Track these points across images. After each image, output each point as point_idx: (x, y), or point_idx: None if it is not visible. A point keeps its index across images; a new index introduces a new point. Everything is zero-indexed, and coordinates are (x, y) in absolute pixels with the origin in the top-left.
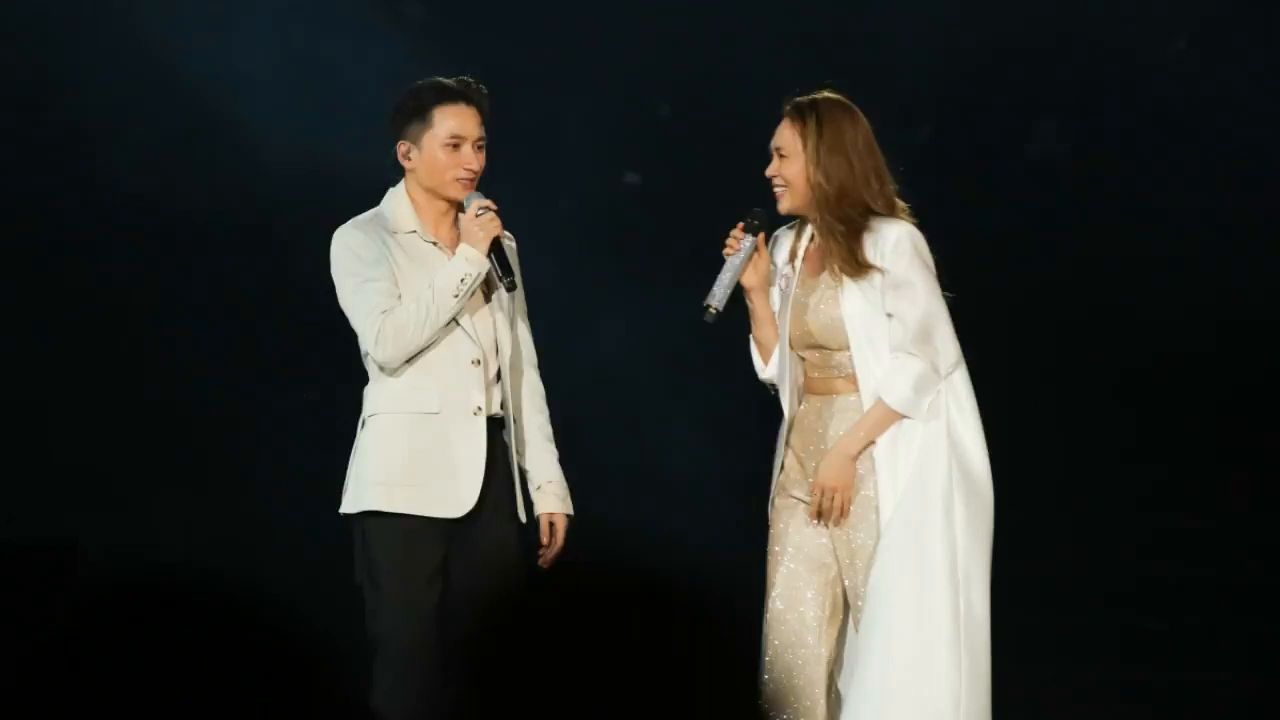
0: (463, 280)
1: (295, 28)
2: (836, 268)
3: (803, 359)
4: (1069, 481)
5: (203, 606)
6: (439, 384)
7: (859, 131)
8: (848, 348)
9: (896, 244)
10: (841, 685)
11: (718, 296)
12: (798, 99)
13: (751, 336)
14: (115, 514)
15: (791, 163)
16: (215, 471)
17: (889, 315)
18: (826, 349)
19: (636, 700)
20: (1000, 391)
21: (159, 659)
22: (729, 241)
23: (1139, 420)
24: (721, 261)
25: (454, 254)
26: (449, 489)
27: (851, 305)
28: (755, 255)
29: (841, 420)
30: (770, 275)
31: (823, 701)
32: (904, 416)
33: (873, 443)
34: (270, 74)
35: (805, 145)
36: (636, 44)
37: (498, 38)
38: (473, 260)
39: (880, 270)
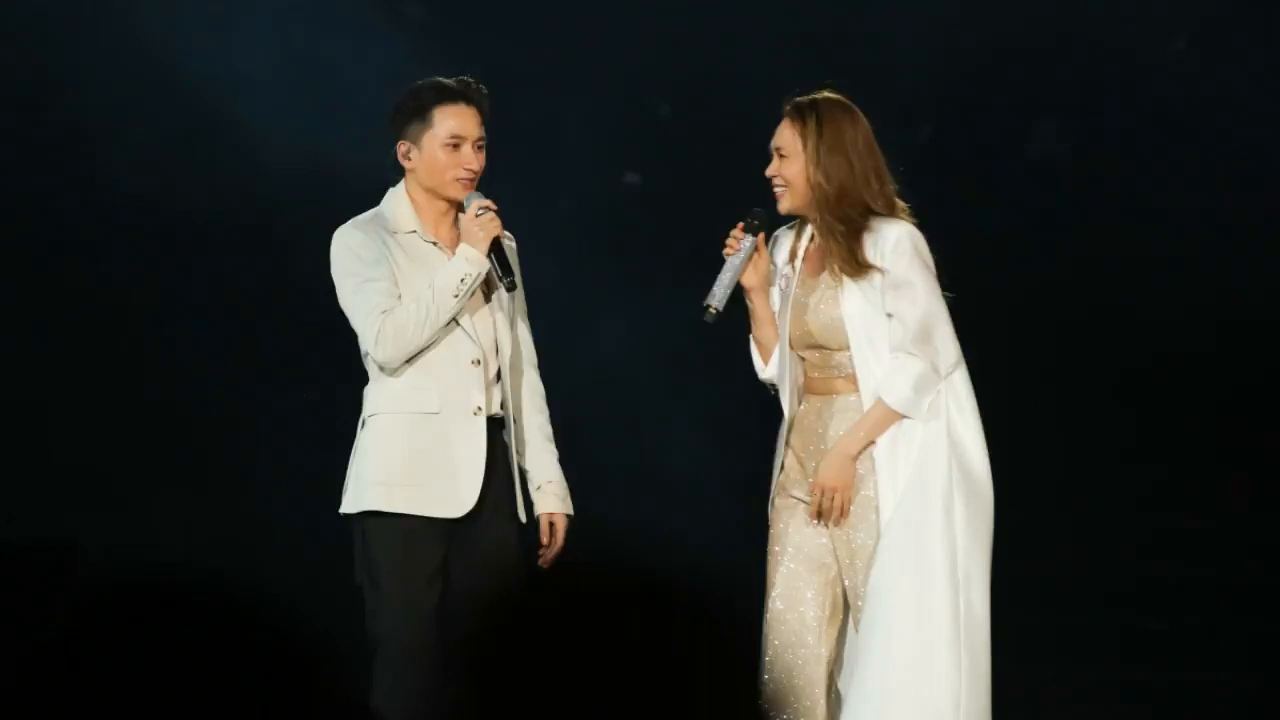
0: (463, 280)
1: (295, 28)
2: (836, 268)
3: (803, 359)
4: (1069, 481)
5: (203, 606)
6: (439, 384)
7: (859, 131)
8: (848, 348)
9: (896, 244)
10: (841, 685)
11: (718, 296)
12: (798, 99)
13: (751, 336)
14: (115, 514)
15: (791, 163)
16: (215, 471)
17: (889, 315)
18: (826, 349)
19: (636, 700)
20: (1000, 391)
21: (159, 659)
22: (729, 241)
23: (1139, 420)
24: (722, 261)
25: (454, 254)
26: (449, 489)
27: (851, 305)
28: (755, 255)
29: (841, 420)
30: (770, 275)
31: (823, 701)
32: (904, 416)
33: (873, 443)
34: (270, 74)
35: (805, 145)
36: (636, 44)
37: (498, 38)
38: (473, 260)
39: (880, 270)
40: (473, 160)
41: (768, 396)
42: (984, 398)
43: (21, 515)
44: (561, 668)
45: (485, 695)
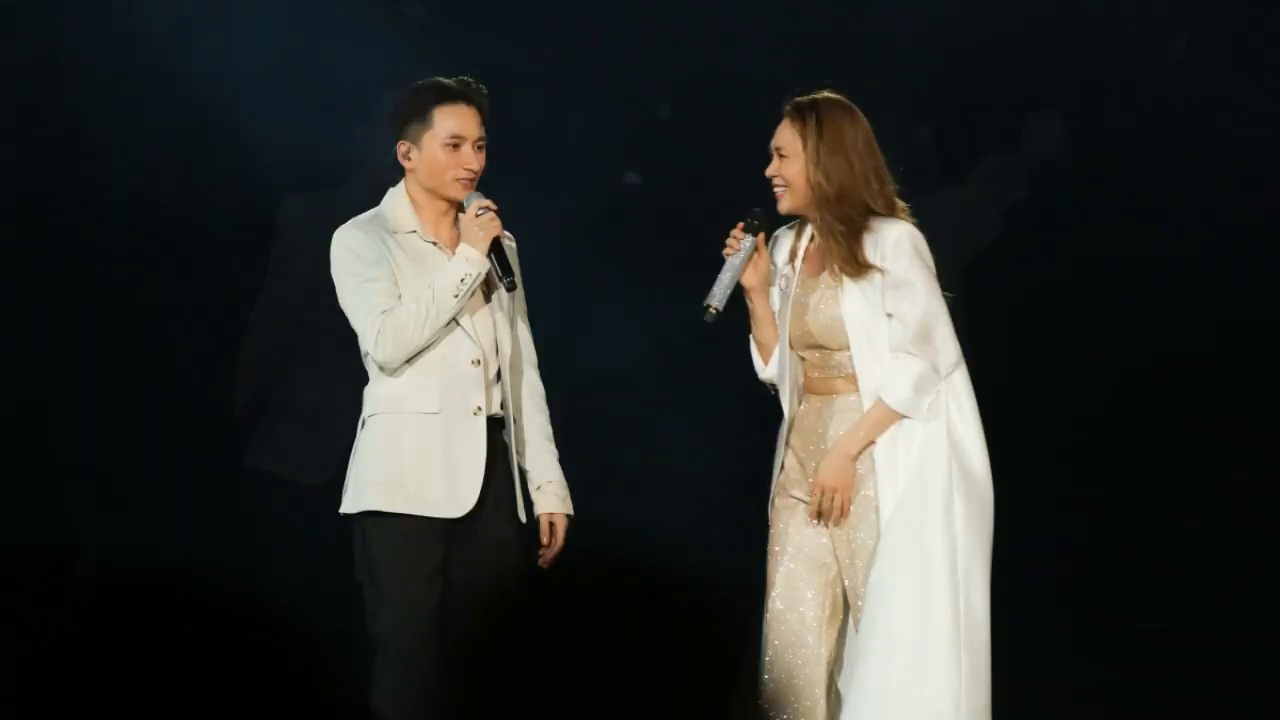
0: (463, 280)
1: (295, 27)
2: (836, 268)
3: (803, 359)
4: (1069, 481)
5: (203, 606)
6: (439, 384)
7: (859, 131)
8: (848, 348)
9: (896, 244)
10: (841, 685)
11: (717, 296)
12: (798, 99)
13: (751, 336)
14: (115, 514)
15: (792, 163)
16: (215, 471)
17: (889, 315)
18: (826, 349)
19: (636, 700)
20: (1000, 391)
21: (159, 659)
22: (729, 241)
23: (1139, 420)
24: (722, 261)
25: (454, 254)
26: (449, 489)
27: (851, 305)
28: (755, 255)
29: (841, 420)
30: (770, 275)
31: (823, 701)
32: (904, 416)
33: (873, 443)
34: (270, 74)
35: (805, 145)
36: (637, 44)
37: (498, 38)
38: (473, 260)
39: (880, 270)
40: (473, 160)
41: (768, 396)
42: (984, 398)
43: (21, 515)
44: (561, 667)
45: (485, 695)
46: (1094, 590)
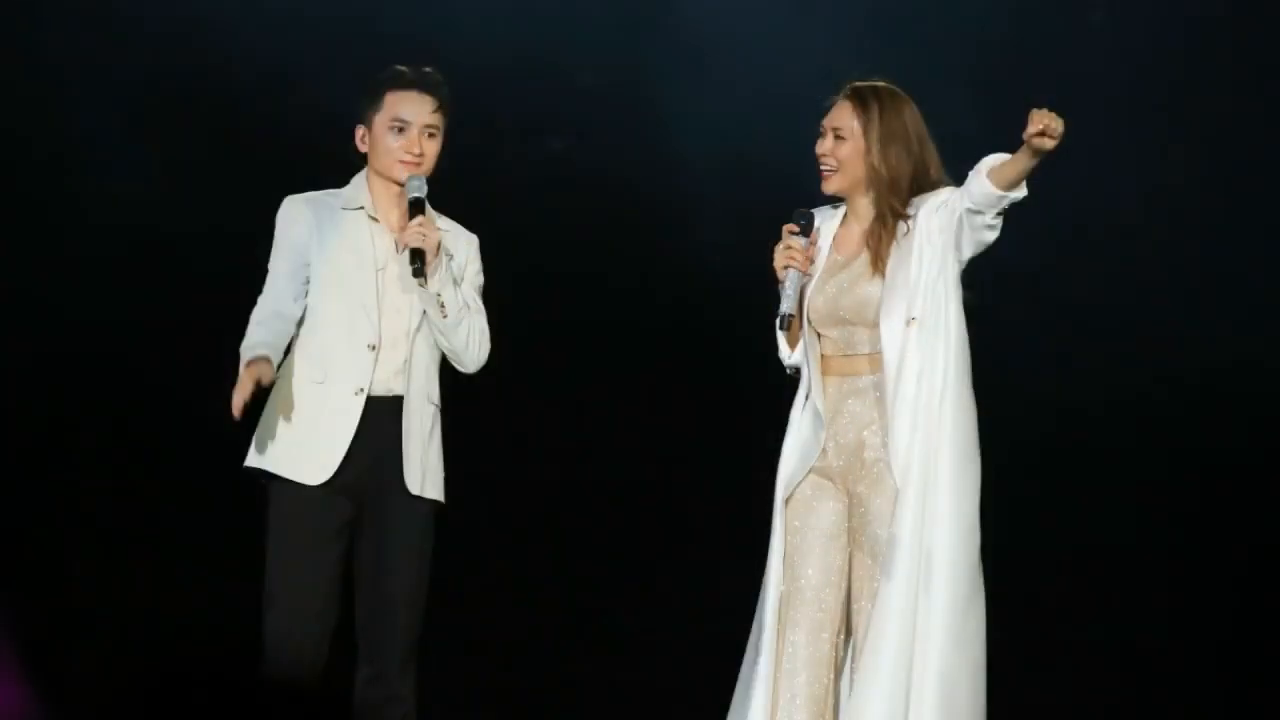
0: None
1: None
2: (875, 249)
3: (820, 337)
4: (1069, 481)
5: (203, 609)
6: (330, 365)
7: (917, 122)
8: (876, 325)
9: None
10: (844, 681)
11: (791, 301)
12: (859, 84)
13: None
14: (116, 517)
15: (848, 144)
16: (215, 473)
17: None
18: (852, 324)
19: (634, 698)
20: (1000, 392)
21: (161, 662)
22: (787, 244)
23: (1139, 420)
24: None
25: (392, 234)
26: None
27: (885, 284)
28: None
29: (859, 401)
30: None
31: (825, 699)
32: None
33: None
34: (270, 73)
35: (867, 129)
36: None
37: (501, 46)
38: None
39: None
40: (416, 144)
41: (770, 391)
42: (984, 398)
43: (21, 515)
44: (560, 664)
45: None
46: (1093, 591)
